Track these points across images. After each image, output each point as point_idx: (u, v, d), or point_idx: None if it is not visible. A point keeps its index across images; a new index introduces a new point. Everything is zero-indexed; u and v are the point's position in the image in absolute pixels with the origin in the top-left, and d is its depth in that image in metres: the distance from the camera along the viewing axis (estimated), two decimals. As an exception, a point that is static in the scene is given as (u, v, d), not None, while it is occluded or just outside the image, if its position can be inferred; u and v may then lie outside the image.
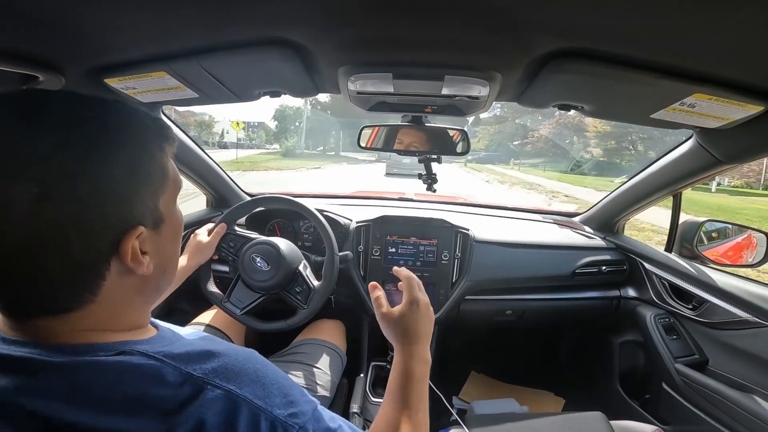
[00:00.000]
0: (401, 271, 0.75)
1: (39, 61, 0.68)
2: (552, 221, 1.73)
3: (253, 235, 1.19)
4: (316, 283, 1.16)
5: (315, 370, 1.13)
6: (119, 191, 0.38)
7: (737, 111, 0.75)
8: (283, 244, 1.15)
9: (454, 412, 1.05)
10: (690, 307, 1.26)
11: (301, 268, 1.16)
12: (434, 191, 1.30)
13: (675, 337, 1.28)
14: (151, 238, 0.42)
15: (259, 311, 1.17)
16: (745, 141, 0.91)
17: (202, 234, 1.14)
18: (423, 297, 0.71)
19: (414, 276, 0.73)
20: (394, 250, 1.40)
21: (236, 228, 1.20)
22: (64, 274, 0.37)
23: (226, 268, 1.28)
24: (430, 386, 1.17)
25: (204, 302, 1.16)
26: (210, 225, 1.18)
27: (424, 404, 0.63)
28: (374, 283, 0.74)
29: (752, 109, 0.73)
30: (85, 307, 0.39)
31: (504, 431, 0.96)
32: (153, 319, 0.50)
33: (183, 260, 1.07)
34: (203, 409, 0.38)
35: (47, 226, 0.35)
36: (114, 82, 0.81)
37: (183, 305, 1.06)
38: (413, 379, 0.63)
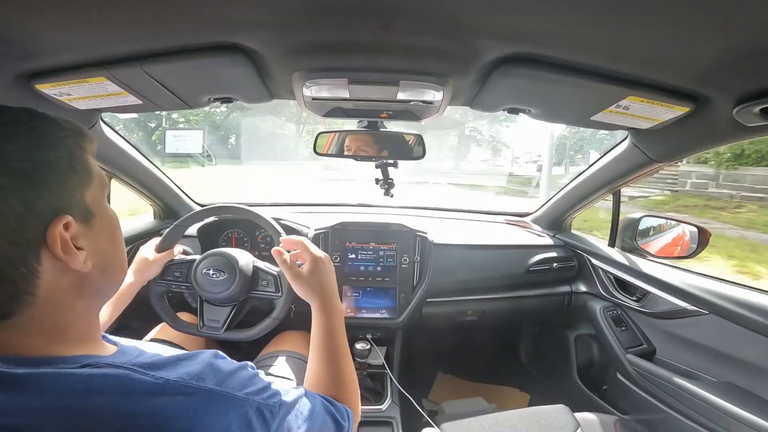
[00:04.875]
0: (287, 240, 0.84)
1: None
2: (504, 221, 1.79)
3: (196, 255, 1.11)
4: (276, 269, 1.10)
5: (286, 380, 1.08)
6: (40, 179, 0.38)
7: (666, 112, 0.81)
8: (230, 249, 1.09)
9: (425, 414, 1.05)
10: (634, 298, 1.33)
11: (256, 263, 1.10)
12: (391, 196, 1.31)
13: (623, 328, 1.35)
14: (85, 234, 0.41)
15: (240, 324, 1.10)
16: (674, 141, 0.98)
17: (148, 249, 1.06)
18: (322, 253, 0.80)
19: (302, 238, 0.83)
20: (354, 256, 1.39)
21: (176, 253, 1.11)
22: None
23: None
24: (400, 391, 1.17)
25: (154, 318, 1.08)
26: (157, 239, 1.09)
27: (347, 352, 0.71)
28: (276, 248, 0.81)
29: (679, 110, 0.79)
30: (26, 311, 0.37)
31: (476, 430, 0.97)
32: (111, 337, 0.48)
33: (129, 276, 0.99)
34: (191, 412, 0.37)
35: None
36: (46, 88, 0.74)
37: (132, 322, 0.98)
38: (334, 333, 0.72)
